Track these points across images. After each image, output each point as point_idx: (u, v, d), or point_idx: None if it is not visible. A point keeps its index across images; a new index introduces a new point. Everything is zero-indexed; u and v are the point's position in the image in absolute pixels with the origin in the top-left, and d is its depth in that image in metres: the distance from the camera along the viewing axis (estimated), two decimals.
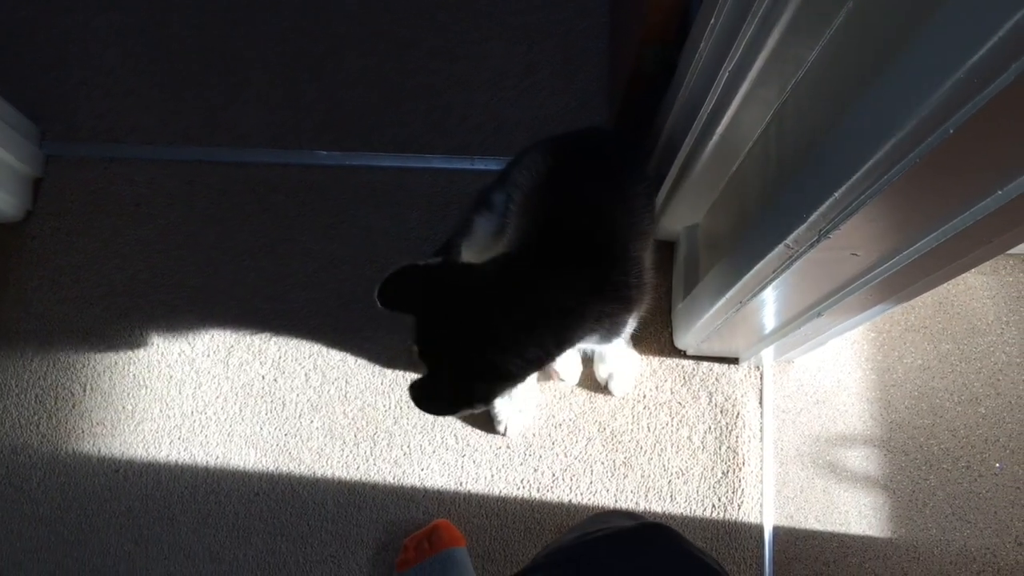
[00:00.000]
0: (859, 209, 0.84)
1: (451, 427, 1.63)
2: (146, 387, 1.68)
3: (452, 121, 1.85)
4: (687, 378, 1.65)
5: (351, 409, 1.66)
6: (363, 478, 1.62)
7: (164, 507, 1.62)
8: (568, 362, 1.60)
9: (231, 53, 1.93)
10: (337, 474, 1.62)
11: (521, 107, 1.86)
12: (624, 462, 1.61)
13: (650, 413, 1.63)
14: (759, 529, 1.57)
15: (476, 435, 1.63)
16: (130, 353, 1.71)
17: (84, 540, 1.61)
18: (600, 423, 1.63)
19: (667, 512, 1.58)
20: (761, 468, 1.60)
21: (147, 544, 1.60)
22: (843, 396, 1.65)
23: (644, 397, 1.64)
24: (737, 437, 1.61)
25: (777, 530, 1.57)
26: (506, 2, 1.94)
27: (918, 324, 1.68)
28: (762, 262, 1.08)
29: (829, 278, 1.10)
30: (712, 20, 1.12)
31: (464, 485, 1.61)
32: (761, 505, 1.58)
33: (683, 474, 1.60)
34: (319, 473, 1.62)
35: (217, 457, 1.64)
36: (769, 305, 1.27)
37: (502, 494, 1.60)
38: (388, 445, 1.63)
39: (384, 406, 1.65)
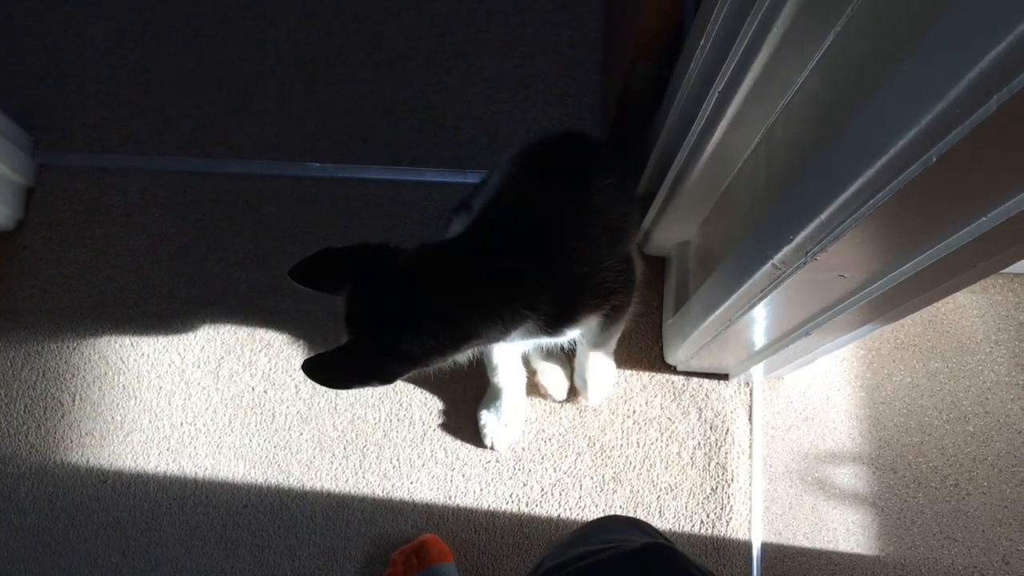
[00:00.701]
0: (845, 232, 0.84)
1: (441, 440, 1.63)
2: (136, 398, 1.68)
3: (445, 133, 1.85)
4: (677, 394, 1.65)
5: (341, 421, 1.66)
6: (352, 491, 1.62)
7: (152, 519, 1.61)
8: (556, 378, 1.60)
9: (225, 64, 1.93)
10: (326, 487, 1.62)
11: (514, 120, 1.86)
12: (613, 477, 1.61)
13: (640, 428, 1.63)
14: (747, 546, 1.57)
15: (466, 449, 1.63)
16: (120, 364, 1.70)
17: (71, 551, 1.60)
18: (590, 438, 1.63)
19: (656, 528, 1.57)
20: (750, 484, 1.60)
21: (134, 556, 1.59)
22: (832, 413, 1.65)
23: (634, 412, 1.64)
24: (726, 453, 1.62)
25: (765, 547, 1.57)
26: (501, 15, 1.94)
27: (907, 342, 1.69)
28: (750, 281, 1.09)
29: (817, 298, 1.10)
30: (702, 41, 1.12)
31: (453, 499, 1.60)
32: (750, 521, 1.58)
33: (672, 490, 1.60)
34: (308, 485, 1.62)
35: (206, 469, 1.64)
36: (758, 323, 1.27)
37: (491, 508, 1.60)
38: (377, 458, 1.63)
39: (374, 419, 1.65)
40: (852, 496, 1.60)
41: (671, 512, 1.58)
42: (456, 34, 1.94)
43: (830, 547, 1.57)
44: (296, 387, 1.68)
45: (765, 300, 1.12)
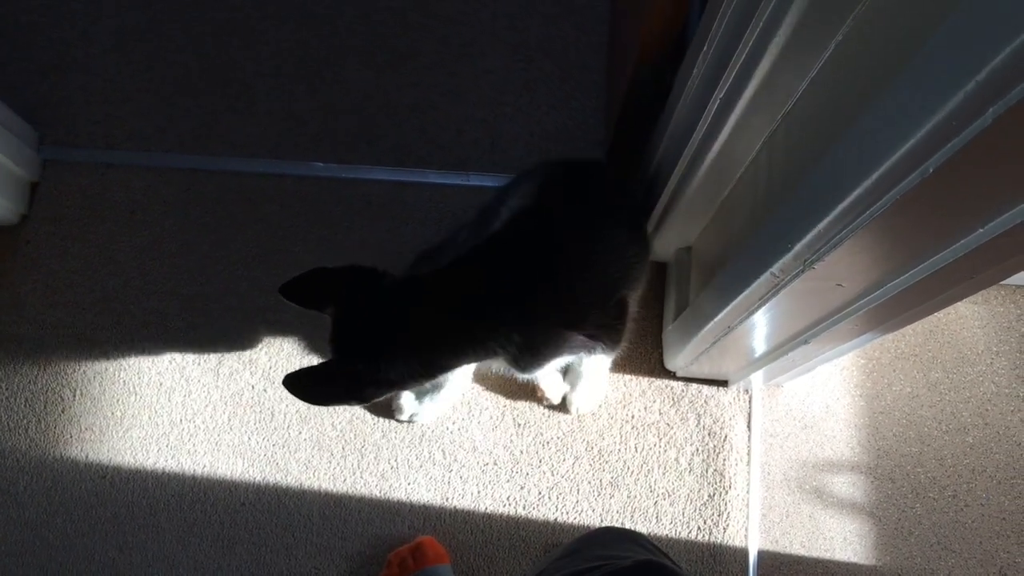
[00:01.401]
0: (843, 241, 0.84)
1: (439, 442, 1.64)
2: (136, 393, 1.69)
3: (448, 136, 1.86)
4: (676, 399, 1.65)
5: (340, 421, 1.66)
6: (349, 491, 1.62)
7: (149, 515, 1.62)
8: (553, 382, 1.60)
9: (230, 62, 1.93)
10: (324, 486, 1.62)
11: (518, 123, 1.86)
12: (611, 482, 1.61)
13: (638, 433, 1.63)
14: (744, 553, 1.57)
15: (464, 451, 1.63)
16: (121, 359, 1.71)
17: (69, 545, 1.61)
18: (588, 442, 1.63)
19: (652, 533, 1.57)
20: (747, 492, 1.60)
21: (131, 551, 1.60)
22: (831, 422, 1.65)
23: (632, 417, 1.64)
24: (724, 460, 1.61)
25: (762, 554, 1.57)
26: (506, 18, 1.94)
27: (908, 352, 1.68)
28: (749, 289, 1.09)
29: (815, 307, 1.10)
30: (705, 47, 1.12)
31: (450, 501, 1.61)
32: (747, 529, 1.58)
33: (669, 495, 1.60)
34: (306, 485, 1.62)
35: (204, 466, 1.64)
36: (757, 331, 1.27)
37: (488, 511, 1.60)
38: (375, 458, 1.63)
39: (372, 419, 1.66)
40: (850, 505, 1.60)
41: (668, 518, 1.58)
42: (461, 36, 1.94)
43: (827, 556, 1.57)
44: None
45: (764, 308, 1.12)
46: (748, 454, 1.62)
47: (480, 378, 1.64)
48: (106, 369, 1.70)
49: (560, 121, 1.86)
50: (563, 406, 1.64)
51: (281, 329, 1.71)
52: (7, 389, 1.69)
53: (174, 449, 1.65)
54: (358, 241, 1.77)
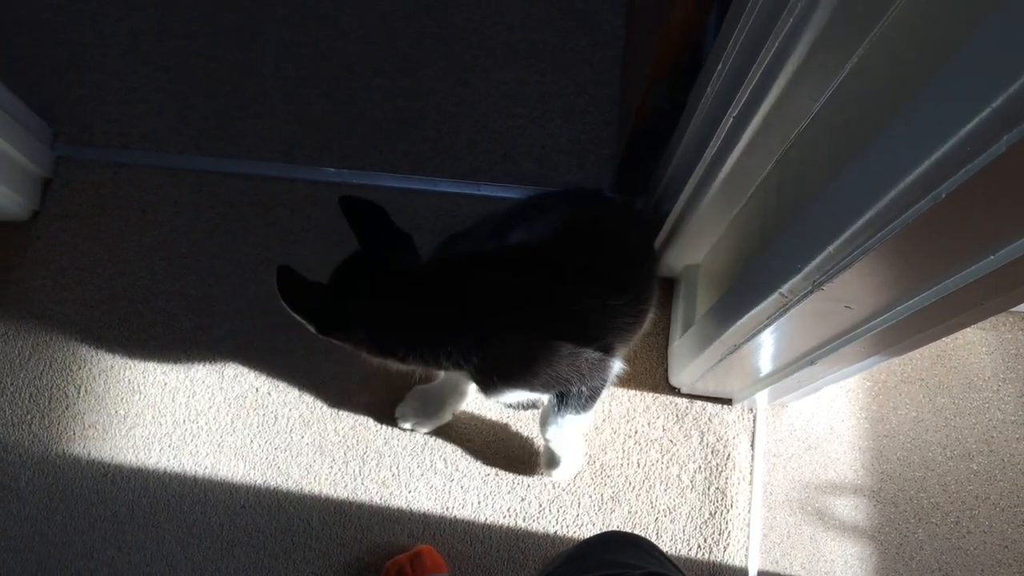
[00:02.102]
0: (852, 264, 0.84)
1: (441, 451, 1.63)
2: (140, 393, 1.69)
3: (461, 145, 1.86)
4: (680, 416, 1.65)
5: (342, 427, 1.66)
6: (350, 497, 1.62)
7: (149, 514, 1.62)
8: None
9: (246, 66, 1.94)
10: (324, 491, 1.62)
11: (531, 135, 1.86)
12: (612, 497, 1.60)
13: (641, 449, 1.63)
14: (744, 573, 1.56)
15: (466, 460, 1.63)
16: (127, 358, 1.71)
17: (68, 542, 1.61)
18: (590, 456, 1.62)
19: None
20: (749, 511, 1.59)
21: (130, 551, 1.59)
22: (835, 443, 1.64)
23: (636, 432, 1.64)
24: (727, 479, 1.61)
25: (762, 575, 1.56)
26: (521, 30, 1.95)
27: (914, 376, 1.68)
28: (757, 308, 1.08)
29: (823, 328, 1.10)
30: (720, 65, 1.13)
31: (450, 510, 1.60)
32: (747, 549, 1.57)
33: (670, 512, 1.59)
34: (306, 489, 1.62)
35: (206, 467, 1.64)
36: (764, 350, 1.27)
37: (488, 522, 1.60)
38: (377, 465, 1.63)
39: (376, 426, 1.65)
40: (852, 528, 1.59)
41: (668, 535, 1.58)
42: (476, 46, 1.94)
43: None
44: (300, 390, 1.68)
45: (771, 327, 1.12)
46: (751, 473, 1.61)
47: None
48: (111, 367, 1.71)
49: (572, 134, 1.86)
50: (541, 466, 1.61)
51: (287, 333, 1.71)
52: (12, 384, 1.70)
53: (176, 449, 1.65)
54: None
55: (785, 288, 0.99)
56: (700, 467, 1.62)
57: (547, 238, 1.31)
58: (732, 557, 1.57)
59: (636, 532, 1.57)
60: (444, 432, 1.64)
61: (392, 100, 1.90)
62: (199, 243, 1.79)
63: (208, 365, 1.70)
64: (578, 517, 1.59)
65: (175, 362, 1.71)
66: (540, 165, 1.84)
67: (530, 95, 1.90)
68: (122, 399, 1.69)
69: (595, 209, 1.47)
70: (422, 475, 1.62)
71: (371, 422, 1.66)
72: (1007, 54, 0.56)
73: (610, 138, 1.85)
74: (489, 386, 1.25)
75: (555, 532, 1.58)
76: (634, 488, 1.61)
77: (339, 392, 1.67)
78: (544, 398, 1.41)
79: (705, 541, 1.57)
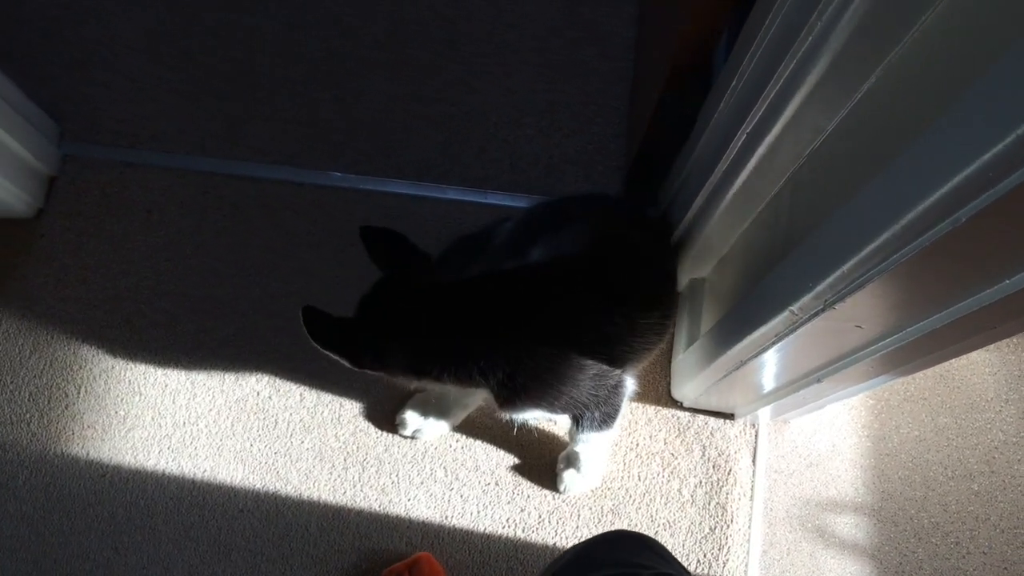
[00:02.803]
0: (866, 284, 0.84)
1: (441, 459, 1.63)
2: (140, 394, 1.68)
3: (469, 153, 1.86)
4: (682, 430, 1.64)
5: (343, 433, 1.65)
6: (349, 503, 1.61)
7: (147, 516, 1.61)
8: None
9: (255, 68, 1.94)
10: (323, 497, 1.61)
11: (539, 144, 1.86)
12: (612, 509, 1.60)
13: (642, 462, 1.62)
14: None
15: (465, 469, 1.62)
16: (128, 358, 1.71)
17: (64, 543, 1.60)
18: None
19: None
20: (749, 527, 1.59)
21: (127, 552, 1.59)
22: (837, 461, 1.64)
23: (637, 445, 1.63)
24: (728, 494, 1.60)
25: None
26: (532, 39, 1.95)
27: (917, 395, 1.68)
28: (766, 326, 1.08)
29: (831, 347, 1.10)
30: (734, 82, 1.13)
31: (449, 519, 1.60)
32: (747, 565, 1.57)
33: (670, 526, 1.59)
34: (305, 495, 1.62)
35: (205, 471, 1.63)
36: (769, 367, 1.26)
37: (487, 531, 1.59)
38: (377, 472, 1.63)
39: (376, 432, 1.65)
40: (851, 546, 1.59)
41: (668, 549, 1.57)
42: (486, 55, 1.94)
43: None
44: (300, 395, 1.67)
45: (779, 344, 1.12)
46: (752, 489, 1.61)
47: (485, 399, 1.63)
48: (112, 367, 1.70)
49: (580, 144, 1.86)
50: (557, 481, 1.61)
51: (289, 337, 1.71)
52: (12, 382, 1.69)
53: (175, 452, 1.65)
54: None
55: (796, 306, 0.99)
56: (701, 481, 1.61)
57: (579, 253, 1.31)
58: (731, 573, 1.56)
59: None
60: (445, 441, 1.64)
61: (401, 105, 1.90)
62: (204, 245, 1.79)
63: (209, 368, 1.70)
64: (577, 529, 1.59)
65: (176, 364, 1.70)
66: (547, 175, 1.84)
67: (539, 104, 1.90)
68: (122, 400, 1.68)
69: (623, 222, 1.47)
70: (422, 483, 1.62)
71: (372, 429, 1.65)
72: None
73: (618, 149, 1.85)
74: (513, 402, 1.24)
75: (554, 543, 1.58)
76: (634, 501, 1.60)
77: (340, 398, 1.67)
78: (557, 418, 1.42)
79: (705, 556, 1.57)
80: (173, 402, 1.68)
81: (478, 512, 1.60)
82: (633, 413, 1.65)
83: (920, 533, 1.59)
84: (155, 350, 1.71)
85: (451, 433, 1.64)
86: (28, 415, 1.67)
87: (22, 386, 1.69)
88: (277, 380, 1.69)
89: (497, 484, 1.62)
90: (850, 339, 1.03)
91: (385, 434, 1.65)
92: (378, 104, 1.91)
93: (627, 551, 1.06)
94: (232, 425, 1.66)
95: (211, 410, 1.67)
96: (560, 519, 1.59)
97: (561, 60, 1.93)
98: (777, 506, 1.61)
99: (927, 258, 0.74)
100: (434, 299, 1.22)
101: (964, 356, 1.69)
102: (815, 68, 0.93)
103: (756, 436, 1.64)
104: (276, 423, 1.66)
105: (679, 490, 1.61)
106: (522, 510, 1.60)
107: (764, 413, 1.56)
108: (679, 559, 1.54)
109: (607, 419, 1.34)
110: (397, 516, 1.60)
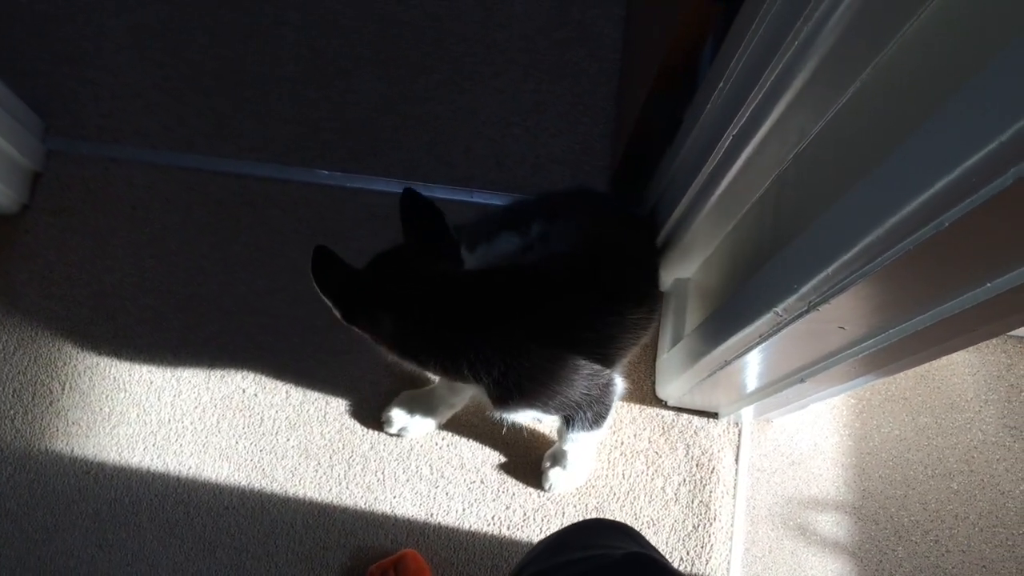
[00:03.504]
0: (850, 287, 0.85)
1: (427, 457, 1.63)
2: (126, 391, 1.68)
3: (456, 152, 1.86)
4: (666, 428, 1.65)
5: (329, 430, 1.65)
6: (334, 501, 1.61)
7: (132, 513, 1.61)
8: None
9: (243, 65, 1.94)
10: (309, 495, 1.62)
11: (525, 144, 1.87)
12: (596, 507, 1.61)
13: (626, 460, 1.63)
14: None
15: (451, 467, 1.63)
16: (113, 355, 1.70)
17: (48, 539, 1.59)
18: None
19: None
20: (732, 525, 1.60)
21: (111, 549, 1.58)
22: (818, 460, 1.65)
23: (621, 443, 1.64)
24: (711, 492, 1.62)
25: None
26: (521, 39, 1.96)
27: (898, 395, 1.69)
28: (751, 326, 1.09)
29: (815, 348, 1.11)
30: (721, 84, 1.13)
31: (435, 516, 1.60)
32: (729, 562, 1.58)
33: (654, 524, 1.60)
34: (291, 492, 1.62)
35: (190, 468, 1.63)
36: (753, 367, 1.28)
37: (472, 529, 1.60)
38: (362, 470, 1.63)
39: (362, 430, 1.65)
40: (833, 544, 1.60)
41: (645, 537, 1.58)
42: (475, 54, 1.95)
43: None
44: (286, 392, 1.67)
45: (763, 345, 1.13)
46: (734, 487, 1.62)
47: (472, 398, 1.64)
48: (97, 364, 1.70)
49: (567, 144, 1.87)
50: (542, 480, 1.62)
51: (276, 335, 1.71)
52: None
53: (160, 449, 1.64)
54: (358, 251, 1.75)
55: (780, 307, 1.00)
56: (684, 480, 1.62)
57: (570, 251, 1.32)
58: (714, 570, 1.58)
59: None
60: (430, 439, 1.65)
61: (389, 104, 1.90)
62: (189, 241, 1.78)
63: (195, 365, 1.69)
64: (562, 526, 1.60)
65: (161, 361, 1.70)
66: (533, 174, 1.84)
67: (526, 104, 1.90)
68: (107, 396, 1.67)
69: (612, 218, 1.48)
70: (407, 480, 1.62)
71: (357, 426, 1.65)
72: (1019, 88, 0.56)
73: (604, 150, 1.86)
74: (506, 401, 1.24)
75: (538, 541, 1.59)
76: (618, 499, 1.61)
77: (326, 395, 1.67)
78: (547, 418, 1.42)
79: (688, 554, 1.58)
80: (158, 399, 1.67)
81: (463, 510, 1.61)
82: (618, 412, 1.66)
83: (900, 531, 1.61)
84: (140, 347, 1.71)
85: (437, 431, 1.64)
86: (12, 411, 1.67)
87: (6, 382, 1.68)
88: (263, 377, 1.69)
89: (483, 482, 1.62)
90: (833, 340, 1.05)
91: (371, 432, 1.65)
92: (366, 102, 1.91)
93: (600, 535, 1.07)
94: (217, 422, 1.66)
95: (196, 407, 1.67)
96: (545, 517, 1.60)
97: (549, 60, 1.94)
98: (759, 504, 1.62)
99: (910, 261, 0.75)
100: (440, 281, 1.21)
101: (945, 357, 1.71)
102: (801, 71, 0.94)
103: (739, 435, 1.65)
104: (262, 420, 1.66)
105: (663, 488, 1.62)
106: (507, 507, 1.61)
107: (747, 412, 1.58)
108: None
109: (598, 418, 1.35)
110: (383, 513, 1.60)
